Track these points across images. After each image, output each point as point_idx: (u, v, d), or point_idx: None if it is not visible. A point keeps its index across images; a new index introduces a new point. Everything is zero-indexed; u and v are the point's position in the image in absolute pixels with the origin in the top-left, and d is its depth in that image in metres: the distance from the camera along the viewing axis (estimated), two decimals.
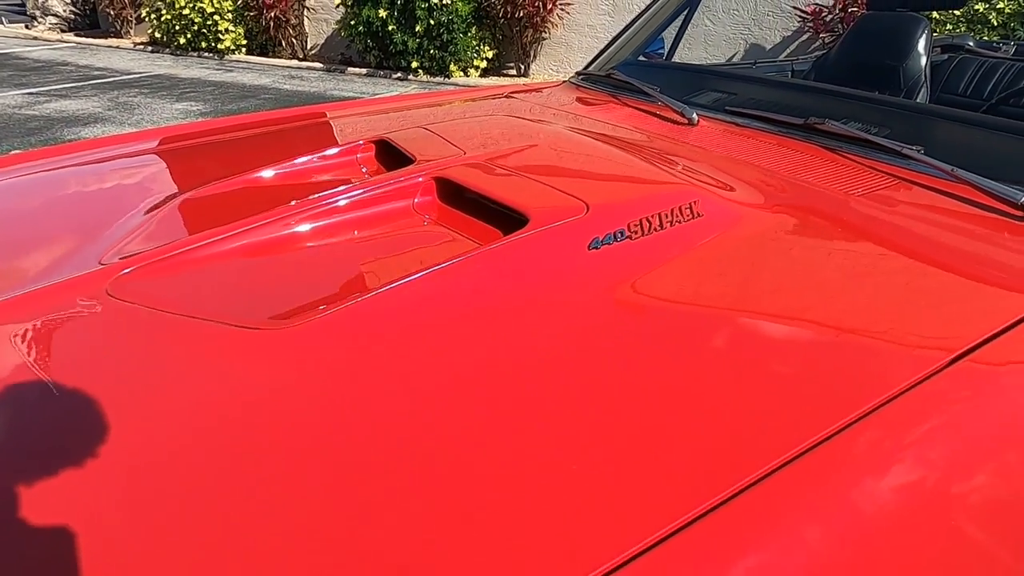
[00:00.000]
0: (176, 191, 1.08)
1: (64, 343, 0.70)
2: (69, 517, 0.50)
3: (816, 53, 2.81)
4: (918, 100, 1.69)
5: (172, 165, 1.32)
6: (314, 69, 8.23)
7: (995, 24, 5.32)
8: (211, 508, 0.51)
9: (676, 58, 2.14)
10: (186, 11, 8.58)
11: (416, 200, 0.96)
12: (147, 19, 9.22)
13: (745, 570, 0.46)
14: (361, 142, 1.18)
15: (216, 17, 8.55)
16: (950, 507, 0.56)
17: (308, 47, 8.89)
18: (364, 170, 1.15)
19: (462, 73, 7.60)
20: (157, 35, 9.12)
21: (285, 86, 7.24)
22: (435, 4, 7.26)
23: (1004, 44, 2.46)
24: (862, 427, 0.56)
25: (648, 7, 1.88)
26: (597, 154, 1.12)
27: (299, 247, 0.87)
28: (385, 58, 7.84)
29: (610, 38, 1.84)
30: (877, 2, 2.04)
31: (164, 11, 8.80)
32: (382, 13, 7.46)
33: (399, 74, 7.75)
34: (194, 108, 6.15)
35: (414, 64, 7.60)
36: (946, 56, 2.21)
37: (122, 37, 9.82)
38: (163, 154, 1.36)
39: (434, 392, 0.61)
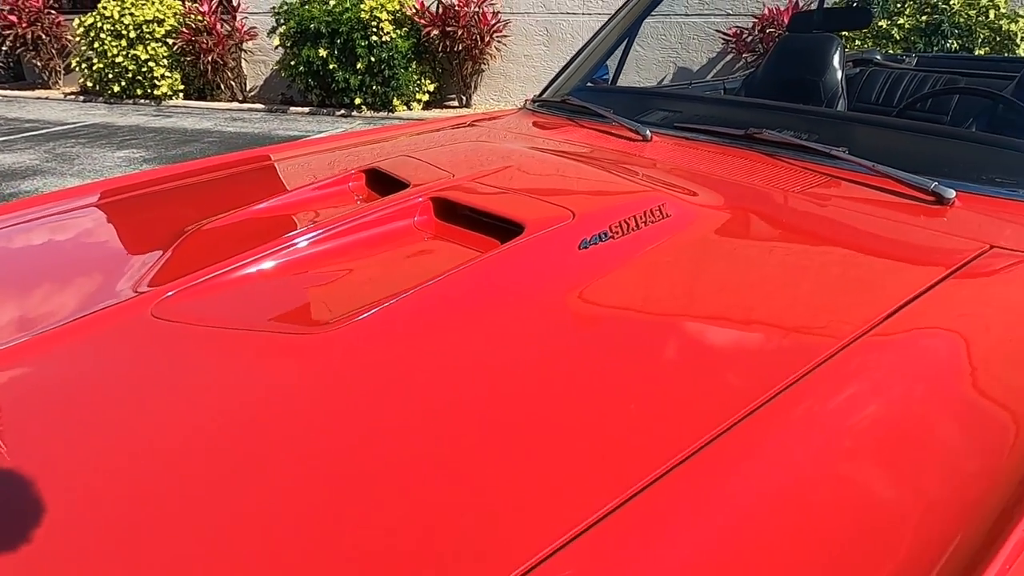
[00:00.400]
0: (180, 228, 1.15)
1: (126, 359, 0.77)
2: (152, 504, 0.59)
3: (742, 72, 3.06)
4: (838, 109, 1.90)
5: (165, 205, 1.38)
6: (256, 110, 8.24)
7: (897, 38, 5.80)
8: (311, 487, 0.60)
9: (615, 83, 2.32)
10: (119, 59, 8.48)
11: (416, 219, 1.07)
12: (77, 68, 9.06)
13: (698, 529, 0.52)
14: (352, 171, 1.28)
15: (151, 64, 8.48)
16: (876, 461, 0.62)
17: (247, 89, 8.90)
18: (358, 198, 1.25)
19: (405, 107, 7.75)
20: (89, 84, 8.95)
21: (228, 128, 7.23)
22: (375, 41, 7.41)
23: (907, 56, 2.75)
24: (795, 394, 0.64)
25: (592, 39, 2.05)
26: (570, 170, 1.26)
27: (319, 265, 0.97)
28: (327, 96, 7.92)
29: (546, 67, 2.01)
30: (795, 25, 2.28)
31: (96, 60, 8.67)
32: (322, 52, 7.57)
33: (342, 111, 7.84)
34: (137, 155, 6.09)
35: (357, 101, 7.70)
36: (858, 69, 2.47)
37: (50, 88, 9.60)
38: (151, 196, 1.42)
39: (473, 380, 0.72)
